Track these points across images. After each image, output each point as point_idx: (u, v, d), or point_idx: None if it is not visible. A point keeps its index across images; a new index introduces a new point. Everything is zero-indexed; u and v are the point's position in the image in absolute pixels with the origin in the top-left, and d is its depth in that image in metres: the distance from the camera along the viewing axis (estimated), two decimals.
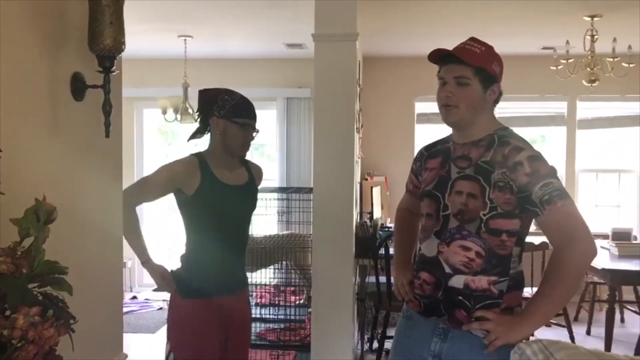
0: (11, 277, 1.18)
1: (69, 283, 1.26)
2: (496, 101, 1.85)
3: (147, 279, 6.89)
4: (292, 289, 5.24)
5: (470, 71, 1.75)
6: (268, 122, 6.79)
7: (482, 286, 1.73)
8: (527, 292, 4.77)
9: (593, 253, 1.74)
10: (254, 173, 2.46)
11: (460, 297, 1.75)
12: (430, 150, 1.95)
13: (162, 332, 5.10)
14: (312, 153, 6.64)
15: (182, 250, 2.39)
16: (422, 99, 6.21)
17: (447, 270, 1.76)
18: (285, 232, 5.24)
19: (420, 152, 2.00)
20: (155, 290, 6.89)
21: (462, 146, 1.81)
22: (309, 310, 5.01)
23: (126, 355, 2.15)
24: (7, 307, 1.20)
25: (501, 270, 1.74)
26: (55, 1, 1.75)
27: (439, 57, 1.82)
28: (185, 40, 5.46)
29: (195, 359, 2.24)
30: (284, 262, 5.13)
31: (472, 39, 1.83)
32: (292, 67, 6.43)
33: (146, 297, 6.35)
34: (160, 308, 5.88)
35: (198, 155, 2.34)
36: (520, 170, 1.68)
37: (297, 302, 5.12)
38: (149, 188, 2.35)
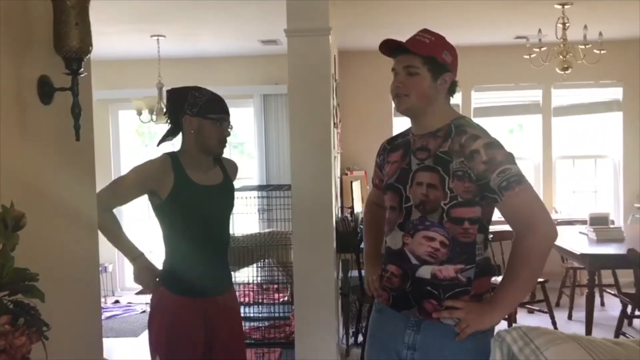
0: None
1: (41, 290, 1.24)
2: (452, 91, 1.86)
3: (129, 282, 6.85)
4: (276, 286, 5.23)
5: (419, 60, 1.77)
6: (245, 120, 6.75)
7: (449, 275, 1.75)
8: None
9: (554, 236, 1.77)
10: (228, 170, 2.42)
11: (429, 288, 1.76)
12: (392, 144, 1.97)
13: (146, 336, 5.06)
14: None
15: (162, 256, 2.36)
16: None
17: (414, 261, 1.78)
18: (266, 230, 5.22)
19: (383, 146, 2.02)
20: (138, 293, 6.84)
21: (420, 137, 1.83)
22: (293, 307, 5.02)
23: None
24: None
25: (467, 257, 1.76)
26: (18, 1, 1.71)
27: (389, 49, 1.83)
28: (158, 39, 5.40)
29: (177, 356, 2.22)
30: (267, 260, 5.11)
31: (424, 30, 1.85)
32: (268, 64, 6.40)
33: (129, 300, 6.30)
34: (144, 311, 5.84)
35: (171, 154, 2.30)
36: (477, 159, 1.70)
37: (281, 300, 5.11)
38: (122, 190, 2.31)
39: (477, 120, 6.67)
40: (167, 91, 2.34)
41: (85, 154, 2.01)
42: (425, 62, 1.77)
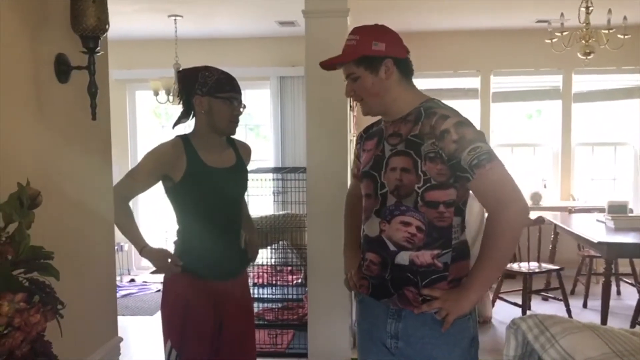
0: None
1: (56, 268, 1.24)
2: (406, 71, 1.82)
3: (145, 261, 6.89)
4: (290, 268, 5.25)
5: (353, 65, 1.79)
6: (262, 102, 6.73)
7: (426, 261, 1.74)
8: (524, 266, 4.80)
9: (526, 213, 1.76)
10: (241, 152, 2.39)
11: (408, 274, 1.75)
12: (368, 132, 1.97)
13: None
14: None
15: (174, 237, 2.36)
16: (416, 75, 6.16)
17: (392, 248, 1.77)
18: (281, 212, 5.22)
19: (360, 135, 2.02)
20: (153, 272, 6.91)
21: (392, 124, 1.83)
22: (307, 289, 5.03)
23: (121, 339, 2.15)
24: None
25: (443, 242, 1.75)
26: None
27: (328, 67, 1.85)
28: (175, 20, 5.38)
29: (187, 337, 2.23)
30: (281, 242, 5.13)
31: (352, 32, 1.84)
32: (285, 46, 6.36)
33: (144, 279, 6.37)
34: (158, 290, 5.89)
35: (183, 137, 2.28)
36: (447, 138, 1.68)
37: (295, 282, 5.13)
38: (138, 177, 2.28)
39: (495, 106, 6.54)
40: (178, 72, 2.32)
41: (101, 133, 2.01)
42: (358, 63, 1.78)
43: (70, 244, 1.77)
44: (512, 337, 2.00)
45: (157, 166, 2.24)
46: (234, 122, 2.24)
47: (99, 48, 1.81)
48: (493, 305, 4.90)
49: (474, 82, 6.43)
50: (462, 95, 6.52)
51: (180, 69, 2.40)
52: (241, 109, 2.26)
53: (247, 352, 2.39)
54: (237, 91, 2.24)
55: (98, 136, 2.01)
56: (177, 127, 2.32)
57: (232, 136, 2.36)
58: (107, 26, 1.81)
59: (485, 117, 6.33)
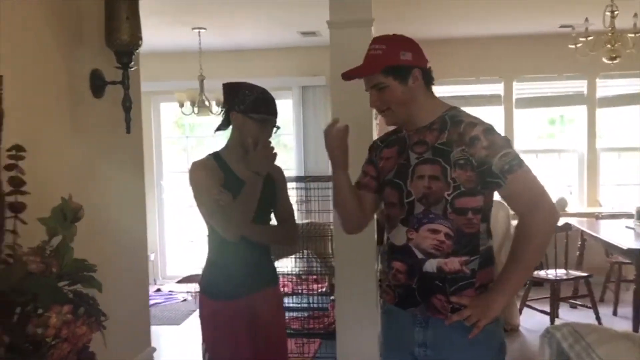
0: (41, 276, 1.19)
1: (98, 280, 1.27)
2: (429, 82, 1.83)
3: (171, 271, 6.97)
4: (314, 277, 5.26)
5: (381, 75, 1.77)
6: (284, 111, 6.78)
7: (454, 268, 1.74)
8: (552, 273, 4.74)
9: (556, 217, 1.76)
10: (274, 175, 2.38)
11: (436, 282, 1.75)
12: (386, 141, 1.95)
13: (187, 324, 5.16)
14: None
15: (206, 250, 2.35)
16: (439, 83, 6.14)
17: (419, 255, 1.76)
18: (305, 221, 5.23)
19: (375, 144, 2.00)
20: (179, 282, 6.96)
21: (416, 132, 1.82)
22: (332, 298, 5.02)
23: (154, 349, 2.17)
24: (39, 306, 1.21)
25: (471, 249, 1.75)
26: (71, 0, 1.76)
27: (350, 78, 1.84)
28: (199, 32, 5.44)
29: (227, 358, 2.23)
30: (305, 251, 5.13)
31: (374, 41, 1.83)
32: (307, 55, 6.39)
33: (170, 289, 6.41)
34: (185, 300, 5.94)
35: (214, 154, 2.29)
36: (477, 144, 1.69)
37: (320, 291, 5.13)
38: (214, 205, 2.16)
39: (519, 112, 6.46)
40: (223, 85, 2.34)
41: (134, 146, 2.06)
42: (387, 73, 1.76)
43: (106, 256, 1.81)
44: (547, 346, 1.98)
45: (210, 183, 2.15)
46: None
47: (132, 63, 1.85)
48: (520, 313, 4.84)
49: (496, 89, 6.40)
50: (485, 101, 6.48)
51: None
52: (274, 131, 2.27)
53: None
54: (271, 113, 2.25)
55: (132, 149, 2.06)
56: (217, 132, 2.35)
57: None
58: (140, 41, 1.86)
59: (508, 124, 6.29)
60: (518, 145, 6.26)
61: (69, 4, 1.73)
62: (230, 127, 2.28)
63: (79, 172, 1.74)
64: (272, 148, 2.18)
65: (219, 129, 2.33)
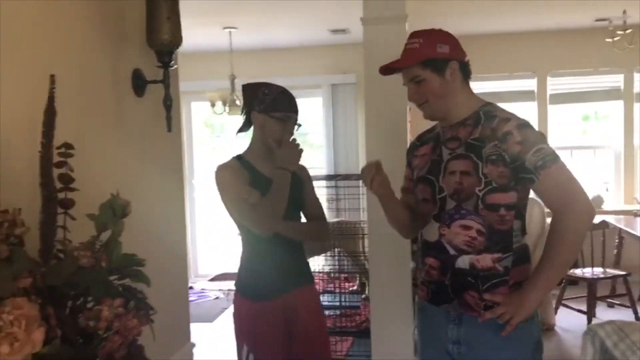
0: (92, 270, 1.22)
1: (146, 275, 1.29)
2: (467, 76, 1.83)
3: (203, 269, 7.04)
4: (345, 276, 5.26)
5: (418, 68, 1.78)
6: (313, 110, 6.79)
7: (487, 265, 1.73)
8: (588, 272, 4.66)
9: (591, 214, 1.73)
10: (299, 174, 2.36)
11: (469, 278, 1.74)
12: (421, 139, 1.97)
13: (220, 321, 5.20)
14: (360, 139, 6.65)
15: (238, 249, 2.36)
16: (471, 78, 6.10)
17: (452, 252, 1.76)
18: (335, 220, 5.24)
19: (412, 143, 2.01)
20: (211, 280, 7.03)
21: (449, 128, 1.83)
22: (363, 296, 5.02)
23: (194, 344, 2.20)
24: (90, 300, 1.24)
25: (504, 246, 1.73)
26: (114, 0, 1.79)
27: (389, 71, 1.85)
28: (230, 32, 5.49)
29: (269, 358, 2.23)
30: (336, 250, 5.13)
31: (411, 35, 1.84)
32: (337, 53, 6.40)
33: (202, 287, 6.48)
34: (217, 298, 6.00)
35: (237, 156, 2.31)
36: (510, 140, 1.68)
37: (351, 289, 5.13)
38: (243, 204, 2.18)
39: (553, 108, 6.36)
40: (242, 86, 2.36)
41: (174, 144, 2.09)
42: (424, 66, 1.78)
43: (148, 252, 1.84)
44: (589, 344, 1.95)
45: (238, 182, 2.18)
46: (282, 143, 2.24)
47: (173, 62, 1.88)
48: (556, 313, 4.77)
49: (530, 84, 6.31)
50: (518, 97, 6.39)
51: (240, 79, 2.42)
52: (295, 129, 2.28)
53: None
54: (292, 110, 2.26)
55: (171, 146, 2.09)
56: (239, 134, 2.37)
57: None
58: (180, 41, 1.88)
59: (542, 120, 6.20)
60: (552, 142, 6.12)
61: (112, 4, 1.76)
62: (252, 128, 2.29)
63: (122, 169, 1.77)
64: (298, 144, 2.21)
65: (240, 130, 2.34)
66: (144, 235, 1.82)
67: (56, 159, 1.31)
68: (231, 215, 2.20)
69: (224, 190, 2.17)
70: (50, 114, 1.21)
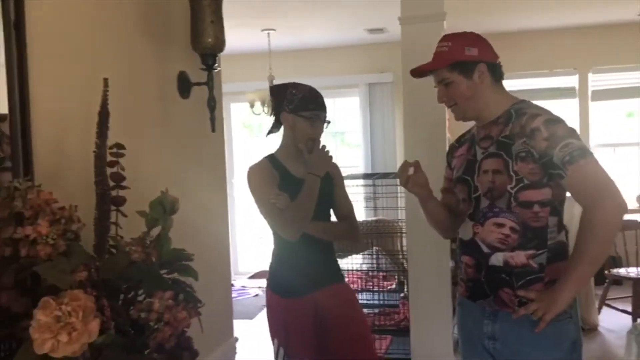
0: (144, 264, 1.28)
1: (194, 269, 1.35)
2: (498, 76, 1.85)
3: (243, 267, 7.14)
4: (383, 274, 5.26)
5: (446, 71, 1.81)
6: (350, 109, 6.81)
7: (521, 262, 1.73)
8: (633, 271, 4.55)
9: (623, 208, 1.69)
10: (331, 173, 2.39)
11: (503, 275, 1.75)
12: (460, 141, 1.99)
13: (260, 318, 5.28)
14: (397, 138, 6.65)
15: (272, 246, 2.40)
16: (509, 76, 6.01)
17: (485, 250, 1.78)
18: (372, 218, 5.25)
19: (452, 145, 2.04)
20: (250, 277, 7.12)
21: (483, 127, 1.85)
22: (401, 295, 5.02)
23: (237, 339, 2.26)
24: (142, 293, 1.30)
25: (538, 242, 1.73)
26: (161, 2, 1.85)
27: (419, 74, 1.89)
28: (268, 33, 5.56)
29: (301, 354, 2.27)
30: (374, 248, 5.14)
31: (442, 39, 1.87)
32: (374, 52, 6.40)
33: (242, 284, 6.58)
34: (257, 295, 6.09)
35: (268, 156, 2.35)
36: (538, 136, 1.68)
37: (389, 288, 5.13)
38: (272, 208, 2.21)
39: (594, 104, 6.21)
40: (270, 88, 2.41)
41: (217, 144, 2.14)
42: (452, 68, 1.80)
43: (194, 247, 1.90)
44: (634, 342, 1.93)
45: (267, 186, 2.22)
46: (313, 141, 2.28)
47: (216, 65, 1.93)
48: (599, 312, 4.68)
49: (571, 81, 6.20)
50: (559, 94, 6.28)
51: (273, 83, 2.46)
52: (324, 127, 2.31)
53: (365, 354, 2.41)
54: (320, 109, 2.29)
55: (215, 146, 2.15)
56: (269, 135, 2.42)
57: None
58: (223, 44, 1.93)
59: (584, 117, 6.08)
60: (594, 139, 6.05)
61: (159, 9, 1.83)
62: (282, 128, 2.33)
63: (169, 168, 1.84)
64: (328, 151, 2.26)
65: (270, 131, 2.39)
66: (190, 232, 1.88)
67: (108, 158, 1.37)
68: (262, 215, 2.26)
69: (254, 192, 2.24)
70: (104, 115, 1.27)
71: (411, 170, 1.93)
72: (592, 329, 4.49)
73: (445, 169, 2.06)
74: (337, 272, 2.45)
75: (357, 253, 4.98)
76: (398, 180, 3.51)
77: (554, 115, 1.74)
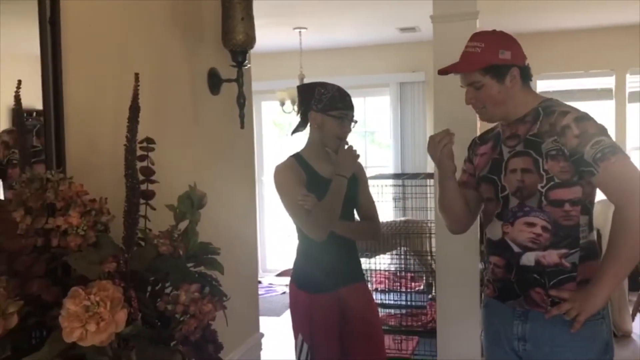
0: (171, 257, 1.30)
1: (221, 263, 1.36)
2: (526, 78, 1.81)
3: (271, 264, 7.18)
4: (411, 275, 5.23)
5: (478, 74, 1.76)
6: (381, 108, 6.78)
7: (553, 261, 1.71)
8: None
9: None
10: (356, 173, 2.39)
11: (534, 275, 1.73)
12: (482, 138, 1.96)
13: (287, 315, 5.29)
14: (427, 138, 6.58)
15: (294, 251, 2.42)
16: (544, 77, 5.92)
17: (516, 249, 1.75)
18: (401, 219, 5.22)
19: (473, 141, 2.02)
20: (278, 275, 7.16)
21: (509, 126, 1.82)
22: (429, 296, 4.98)
23: (262, 334, 2.27)
24: (169, 285, 1.31)
25: (570, 242, 1.71)
26: (192, 1, 1.87)
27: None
28: (299, 32, 5.58)
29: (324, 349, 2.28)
30: (402, 249, 5.12)
31: (472, 38, 1.82)
32: (405, 51, 6.37)
33: (270, 282, 6.62)
34: (284, 292, 6.11)
35: (295, 155, 2.35)
36: (568, 133, 1.66)
37: (417, 289, 5.10)
38: (299, 209, 2.24)
39: (631, 106, 6.06)
40: (297, 87, 2.42)
41: (247, 141, 2.16)
42: (484, 72, 1.76)
43: (221, 242, 1.91)
44: None
45: (294, 186, 2.25)
46: (341, 140, 2.29)
47: (246, 62, 1.95)
48: (633, 319, 4.57)
49: (607, 82, 6.07)
50: (594, 96, 6.16)
51: (303, 81, 2.47)
52: (351, 126, 2.31)
53: (375, 354, 2.42)
54: (349, 108, 2.30)
55: (244, 143, 2.16)
56: (294, 134, 2.43)
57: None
58: (254, 41, 1.95)
59: (620, 119, 5.94)
60: (631, 141, 5.91)
61: (190, 6, 1.85)
62: (308, 127, 2.33)
63: (198, 163, 1.86)
64: (355, 150, 2.27)
65: (295, 130, 2.40)
66: (217, 227, 1.90)
67: (138, 152, 1.39)
68: (289, 215, 2.27)
69: (281, 192, 2.25)
70: (134, 109, 1.29)
71: (447, 140, 1.88)
72: (625, 336, 4.38)
73: (464, 162, 2.03)
74: (360, 271, 2.48)
75: (384, 253, 4.97)
76: (428, 180, 3.45)
77: (583, 112, 1.72)
